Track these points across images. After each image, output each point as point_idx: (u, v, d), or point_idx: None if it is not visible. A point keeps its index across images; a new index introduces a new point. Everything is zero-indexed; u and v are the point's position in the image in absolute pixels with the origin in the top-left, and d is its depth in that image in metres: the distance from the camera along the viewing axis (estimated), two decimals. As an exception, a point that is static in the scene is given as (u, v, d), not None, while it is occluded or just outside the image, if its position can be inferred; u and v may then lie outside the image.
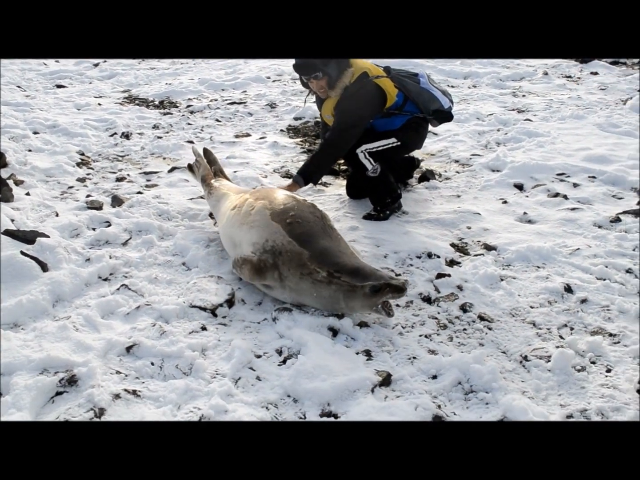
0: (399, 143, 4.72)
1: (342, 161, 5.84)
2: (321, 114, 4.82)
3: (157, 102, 8.09)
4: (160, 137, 6.56)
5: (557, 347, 3.14)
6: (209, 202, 4.51)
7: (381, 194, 4.68)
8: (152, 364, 3.04)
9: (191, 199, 4.94)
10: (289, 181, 4.52)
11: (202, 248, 4.13)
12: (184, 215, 4.65)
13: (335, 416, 2.73)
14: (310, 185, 4.54)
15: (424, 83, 4.68)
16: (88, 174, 5.52)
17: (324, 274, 3.34)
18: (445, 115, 4.80)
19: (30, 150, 5.95)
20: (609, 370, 3.02)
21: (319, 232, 3.57)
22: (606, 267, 3.88)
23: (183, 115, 7.45)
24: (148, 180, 5.39)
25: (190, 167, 4.92)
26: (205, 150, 4.94)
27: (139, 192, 5.04)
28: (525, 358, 3.10)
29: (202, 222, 4.54)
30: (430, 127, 4.96)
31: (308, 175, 4.43)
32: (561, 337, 3.27)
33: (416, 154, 5.90)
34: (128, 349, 3.11)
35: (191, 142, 6.43)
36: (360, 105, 4.43)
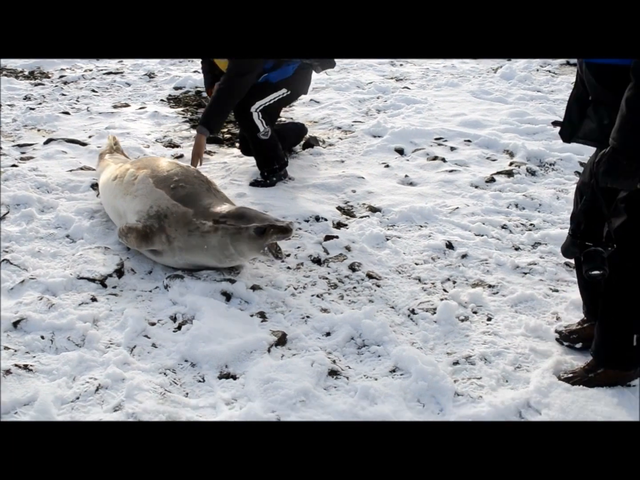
0: (289, 92, 4.77)
1: (225, 130, 5.82)
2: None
3: (26, 73, 7.69)
4: (32, 109, 6.26)
5: (442, 299, 3.31)
6: (97, 174, 4.40)
7: (269, 159, 4.71)
8: (42, 337, 2.95)
9: (71, 170, 4.76)
10: (194, 134, 4.46)
11: (86, 220, 4.02)
12: (64, 188, 4.49)
13: (234, 377, 2.77)
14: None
15: None
16: (-44, 148, 5.21)
17: (210, 223, 3.37)
18: (328, 62, 4.91)
19: None
20: (489, 319, 3.22)
21: (204, 192, 3.61)
22: (483, 224, 4.10)
23: (56, 86, 7.13)
24: (23, 153, 5.15)
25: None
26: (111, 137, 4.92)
27: (14, 165, 4.80)
28: (413, 311, 3.25)
29: (84, 194, 4.41)
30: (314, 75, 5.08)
31: (211, 123, 4.43)
32: (445, 290, 3.44)
33: (300, 121, 5.97)
34: (15, 324, 3.01)
35: (67, 113, 6.19)
36: None
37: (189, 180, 3.66)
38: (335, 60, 5.00)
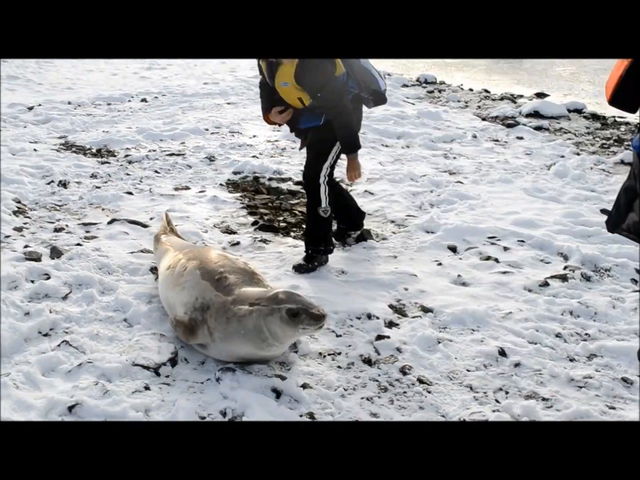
0: None
1: (281, 218, 5.96)
2: (274, 83, 4.69)
3: (94, 150, 8.04)
4: (98, 187, 6.53)
5: (494, 411, 3.27)
6: (155, 258, 4.54)
7: (319, 237, 4.84)
8: (95, 425, 3.01)
9: (132, 252, 4.92)
10: (348, 161, 4.77)
11: (144, 304, 4.13)
12: (125, 270, 4.64)
13: None
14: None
15: (365, 62, 4.80)
16: (25, 223, 5.44)
17: (245, 306, 3.41)
18: (380, 97, 4.93)
19: (-37, 197, 5.83)
20: (542, 435, 3.16)
21: (246, 282, 3.68)
22: (537, 331, 4.06)
23: (121, 165, 7.43)
24: (87, 232, 5.35)
25: None
26: (165, 216, 5.10)
27: (78, 244, 4.99)
28: (464, 422, 3.21)
29: (144, 277, 4.54)
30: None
31: (355, 144, 4.67)
32: (497, 400, 3.39)
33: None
34: (70, 408, 3.09)
35: (130, 193, 6.43)
36: (327, 70, 4.51)
37: (234, 271, 3.75)
38: (386, 87, 5.05)
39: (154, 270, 4.59)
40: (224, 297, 3.54)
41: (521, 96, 13.86)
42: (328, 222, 4.86)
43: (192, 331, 3.57)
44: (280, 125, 5.13)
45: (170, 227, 4.91)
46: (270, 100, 4.84)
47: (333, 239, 5.01)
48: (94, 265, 4.59)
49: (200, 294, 3.64)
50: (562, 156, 8.61)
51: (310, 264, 4.79)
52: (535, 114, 11.33)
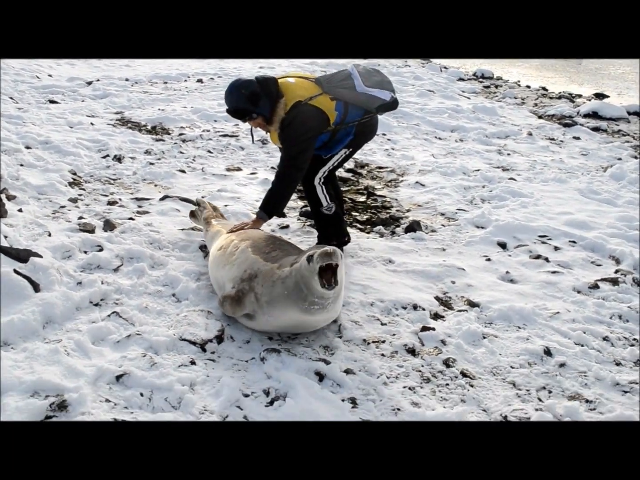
0: (350, 149, 4.81)
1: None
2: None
3: (149, 127, 8.14)
4: (152, 163, 6.62)
5: (536, 409, 3.23)
6: (206, 239, 4.60)
7: (330, 235, 4.82)
8: (142, 394, 3.07)
9: (182, 229, 4.99)
10: (253, 217, 4.58)
11: (193, 281, 4.18)
12: (175, 246, 4.70)
13: (320, 462, 2.78)
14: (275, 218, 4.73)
15: (359, 86, 4.59)
16: (80, 195, 5.55)
17: (287, 268, 3.52)
18: (388, 107, 4.71)
19: (22, 165, 5.97)
20: (585, 437, 3.12)
21: (295, 252, 3.77)
22: (584, 333, 4.00)
23: (175, 143, 7.52)
24: (139, 207, 5.44)
25: (192, 214, 5.03)
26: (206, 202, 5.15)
27: (131, 218, 5.08)
28: (505, 418, 3.19)
29: (193, 255, 4.60)
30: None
31: (270, 209, 4.49)
32: (540, 399, 3.36)
33: (404, 203, 6.08)
34: (118, 377, 3.15)
35: (183, 171, 6.51)
36: (301, 131, 4.40)
37: (284, 245, 3.90)
38: (395, 92, 4.76)
39: (203, 248, 4.65)
40: (271, 264, 3.63)
41: (579, 96, 13.61)
42: (335, 218, 4.80)
43: (239, 302, 3.63)
44: None
45: (217, 213, 4.97)
46: None
47: (346, 229, 4.99)
48: (146, 240, 4.67)
49: (249, 267, 3.71)
50: (620, 159, 8.45)
51: None
52: (593, 115, 11.12)
